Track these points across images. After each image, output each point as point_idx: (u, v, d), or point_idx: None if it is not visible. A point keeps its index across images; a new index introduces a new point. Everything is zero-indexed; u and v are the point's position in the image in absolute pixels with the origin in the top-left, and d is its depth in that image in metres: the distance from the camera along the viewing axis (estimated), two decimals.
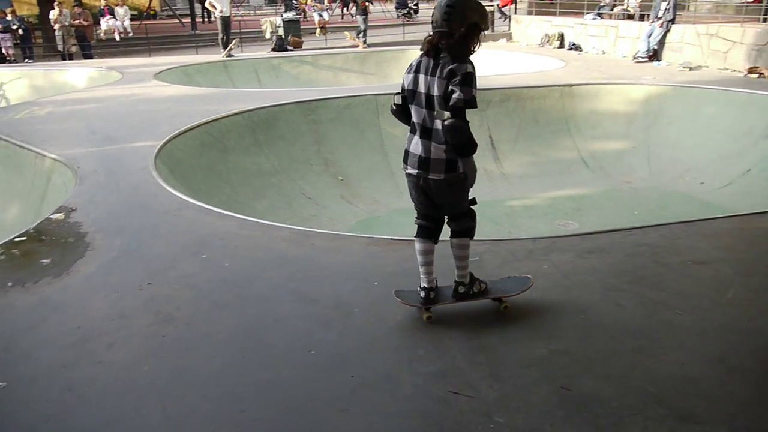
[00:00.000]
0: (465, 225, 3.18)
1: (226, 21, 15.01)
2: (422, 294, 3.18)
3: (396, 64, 16.13)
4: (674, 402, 2.50)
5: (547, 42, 16.64)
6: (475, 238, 4.27)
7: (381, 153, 9.54)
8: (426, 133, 2.93)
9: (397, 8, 24.00)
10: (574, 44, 15.90)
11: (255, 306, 3.38)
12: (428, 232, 3.21)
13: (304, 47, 16.69)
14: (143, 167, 6.10)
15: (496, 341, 2.97)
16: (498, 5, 20.92)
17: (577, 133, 10.35)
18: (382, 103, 9.95)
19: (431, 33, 2.91)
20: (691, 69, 12.27)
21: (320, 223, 8.04)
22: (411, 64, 3.05)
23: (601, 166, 9.95)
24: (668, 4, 12.88)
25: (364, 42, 16.86)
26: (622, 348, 2.89)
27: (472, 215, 3.22)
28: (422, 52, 2.94)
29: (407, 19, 23.16)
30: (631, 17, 15.81)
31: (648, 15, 14.06)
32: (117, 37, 19.10)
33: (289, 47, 16.14)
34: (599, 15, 16.64)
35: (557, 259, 3.86)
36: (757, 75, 11.26)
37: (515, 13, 19.66)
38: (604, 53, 15.10)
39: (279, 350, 2.96)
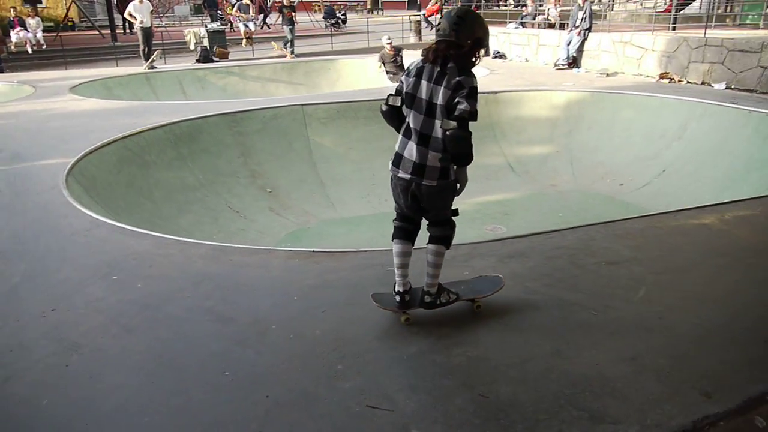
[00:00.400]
0: (444, 233, 3.22)
1: (146, 32, 14.55)
2: (398, 298, 3.19)
3: (325, 74, 16.10)
4: (588, 403, 2.52)
5: None
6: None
7: (310, 163, 9.45)
8: (423, 139, 2.93)
9: (325, 18, 23.96)
10: (498, 52, 16.30)
11: (167, 328, 3.22)
12: (407, 233, 3.27)
13: (230, 58, 16.40)
14: (53, 186, 5.77)
15: (415, 351, 2.93)
16: (424, 15, 21.25)
17: (503, 139, 10.58)
18: (309, 113, 9.88)
19: (435, 41, 2.92)
20: (608, 75, 12.80)
21: (248, 237, 7.86)
22: (409, 69, 3.02)
23: (527, 171, 10.20)
24: (585, 14, 13.40)
25: (292, 52, 16.73)
26: (539, 351, 2.91)
27: (452, 224, 3.25)
28: (424, 58, 2.94)
29: (335, 29, 23.17)
30: (552, 26, 16.36)
31: (567, 24, 14.58)
32: (29, 50, 18.16)
33: (214, 58, 15.82)
34: (522, 24, 17.14)
35: (478, 264, 3.88)
36: (668, 80, 11.86)
37: None
38: (527, 61, 15.56)
39: (191, 374, 2.82)
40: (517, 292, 3.51)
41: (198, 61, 15.63)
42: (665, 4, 21.83)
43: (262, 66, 15.89)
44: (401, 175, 3.05)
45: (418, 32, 19.66)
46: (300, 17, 28.11)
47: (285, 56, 16.71)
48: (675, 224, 4.61)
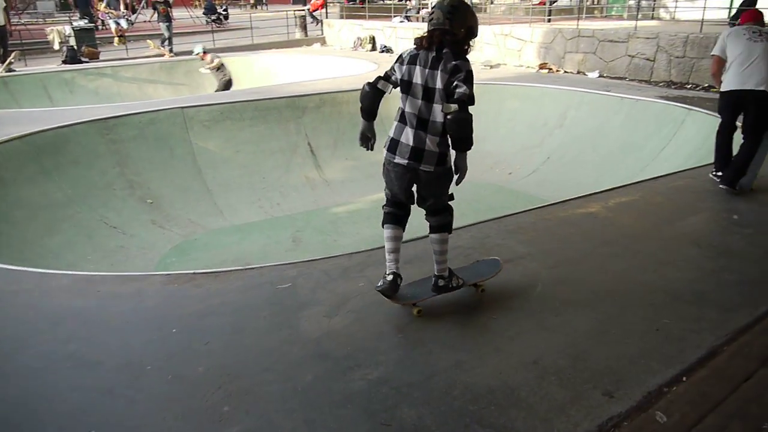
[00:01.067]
0: (444, 220, 3.23)
1: (1, 31, 13.13)
2: (390, 277, 3.13)
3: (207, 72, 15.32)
4: (494, 419, 2.40)
5: (360, 45, 16.87)
6: (288, 261, 4.01)
7: (194, 170, 8.88)
8: (422, 124, 2.93)
9: (205, 14, 22.90)
10: (385, 46, 16.28)
11: (19, 382, 2.76)
12: (398, 219, 3.31)
13: (101, 58, 15.20)
14: None
15: (310, 380, 2.69)
16: (309, 10, 20.86)
17: None
18: (190, 116, 9.29)
19: (429, 30, 2.97)
20: (491, 67, 13.11)
21: (129, 254, 7.24)
22: (402, 56, 3.04)
23: None
24: None
25: (171, 50, 15.79)
26: (442, 365, 2.77)
27: (451, 211, 3.27)
28: (418, 46, 2.98)
29: (217, 25, 22.21)
30: None
31: None
32: None
33: (83, 59, 14.58)
34: (407, 18, 17.24)
35: (373, 274, 3.69)
36: (546, 70, 12.32)
37: (327, 17, 19.70)
38: None
39: None
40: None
41: (64, 62, 14.33)
42: None
43: (138, 66, 14.85)
44: (398, 160, 3.06)
45: (304, 28, 19.23)
46: (179, 13, 26.74)
47: (163, 55, 15.73)
48: (563, 215, 4.66)
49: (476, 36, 3.03)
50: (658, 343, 2.91)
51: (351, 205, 8.95)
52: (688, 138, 8.33)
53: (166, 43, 15.84)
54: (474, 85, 2.90)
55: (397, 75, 3.01)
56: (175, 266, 7.06)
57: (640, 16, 14.94)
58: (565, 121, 10.02)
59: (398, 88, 3.06)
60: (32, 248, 6.68)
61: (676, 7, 16.14)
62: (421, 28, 15.47)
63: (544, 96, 10.55)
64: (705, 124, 8.18)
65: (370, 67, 13.47)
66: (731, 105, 5.13)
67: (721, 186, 5.09)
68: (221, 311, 3.31)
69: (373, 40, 16.66)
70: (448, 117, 2.81)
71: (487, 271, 3.47)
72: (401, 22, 16.73)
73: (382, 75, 3.12)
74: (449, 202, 3.26)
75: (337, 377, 2.70)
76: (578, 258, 3.88)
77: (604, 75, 11.49)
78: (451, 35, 2.91)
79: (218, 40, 17.50)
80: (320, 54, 16.43)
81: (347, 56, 15.70)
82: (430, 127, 2.92)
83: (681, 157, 8.02)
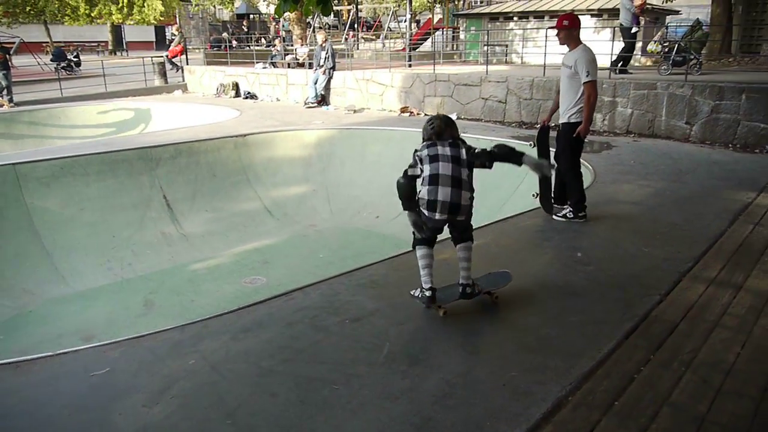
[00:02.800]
0: (469, 232, 3.80)
1: None
2: (429, 293, 3.69)
3: (54, 124, 14.17)
4: None
5: (223, 92, 16.44)
6: (109, 340, 3.55)
7: (30, 233, 7.97)
8: (457, 183, 3.55)
9: (53, 61, 21.36)
10: (249, 93, 15.98)
11: None
12: (430, 241, 3.78)
13: None
14: None
15: None
16: (167, 56, 20.09)
17: (257, 183, 10.16)
18: (24, 174, 8.38)
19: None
20: (355, 111, 13.20)
21: None
22: (422, 150, 3.77)
23: (285, 213, 9.90)
24: (327, 53, 13.72)
25: (10, 100, 14.44)
26: None
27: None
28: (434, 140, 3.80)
29: (67, 72, 20.78)
30: (301, 65, 16.55)
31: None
32: None
33: None
34: (272, 64, 17.08)
35: (208, 347, 3.31)
36: (408, 113, 12.60)
37: (188, 64, 19.08)
38: (278, 100, 15.46)
39: None
40: (251, 377, 3.02)
41: None
42: (402, 44, 23.74)
43: None
44: (438, 217, 3.59)
45: (163, 74, 18.43)
46: (25, 60, 24.81)
47: (1, 105, 14.35)
48: (415, 263, 4.55)
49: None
50: (504, 401, 2.79)
51: (212, 261, 8.43)
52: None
53: (5, 92, 14.47)
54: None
55: (423, 157, 3.68)
56: (2, 345, 6.18)
57: (494, 60, 15.87)
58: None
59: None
60: None
61: (523, 53, 17.35)
62: (285, 74, 15.42)
63: (406, 139, 10.70)
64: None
65: (233, 114, 13.10)
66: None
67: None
68: (15, 413, 2.78)
69: (236, 86, 16.29)
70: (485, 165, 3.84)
71: (500, 282, 3.91)
72: (264, 68, 16.54)
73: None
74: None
75: None
76: (428, 311, 3.74)
77: (462, 117, 11.92)
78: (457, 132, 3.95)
79: (67, 89, 16.29)
80: (181, 101, 15.78)
81: (210, 103, 15.20)
82: (463, 185, 3.58)
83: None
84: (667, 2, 20.87)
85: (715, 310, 3.72)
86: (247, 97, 15.81)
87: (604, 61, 12.28)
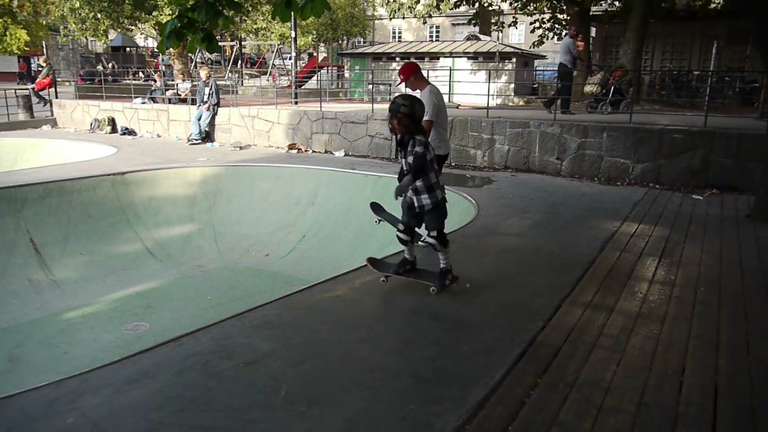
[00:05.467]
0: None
1: None
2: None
3: None
4: None
5: (98, 127, 15.58)
6: None
7: None
8: None
9: None
10: (127, 128, 15.27)
11: None
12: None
13: None
14: None
15: None
16: (34, 88, 18.74)
17: (137, 223, 9.64)
18: None
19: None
20: (241, 148, 13.01)
21: None
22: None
23: (169, 254, 9.45)
24: (211, 89, 13.47)
25: None
26: None
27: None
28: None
29: None
30: (183, 101, 16.08)
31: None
32: None
33: None
34: (152, 99, 16.46)
35: (89, 403, 3.05)
36: (296, 150, 12.60)
37: (57, 97, 17.90)
38: (159, 136, 14.90)
39: None
40: None
41: None
42: (287, 81, 23.80)
43: None
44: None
45: (29, 108, 17.12)
46: None
47: None
48: (311, 301, 4.51)
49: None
50: None
51: (87, 308, 7.82)
52: None
53: None
54: None
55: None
56: None
57: (378, 98, 16.33)
58: (317, 199, 10.23)
59: None
60: None
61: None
62: (166, 110, 14.90)
63: (294, 175, 10.69)
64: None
65: (109, 151, 12.43)
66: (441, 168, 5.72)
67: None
68: None
69: (112, 121, 15.51)
70: None
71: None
72: (143, 102, 15.91)
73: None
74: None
75: None
76: (325, 349, 3.71)
77: (350, 154, 12.12)
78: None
79: None
80: (49, 137, 14.73)
81: (83, 139, 14.32)
82: None
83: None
84: (534, 48, 22.63)
85: (593, 331, 4.00)
86: (124, 133, 15.08)
87: (481, 100, 13.08)
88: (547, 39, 22.09)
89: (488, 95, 12.00)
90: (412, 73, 5.72)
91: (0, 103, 16.90)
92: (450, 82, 16.37)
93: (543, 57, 25.16)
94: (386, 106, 14.58)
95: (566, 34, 12.88)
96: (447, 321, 4.14)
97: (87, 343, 6.77)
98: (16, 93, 17.42)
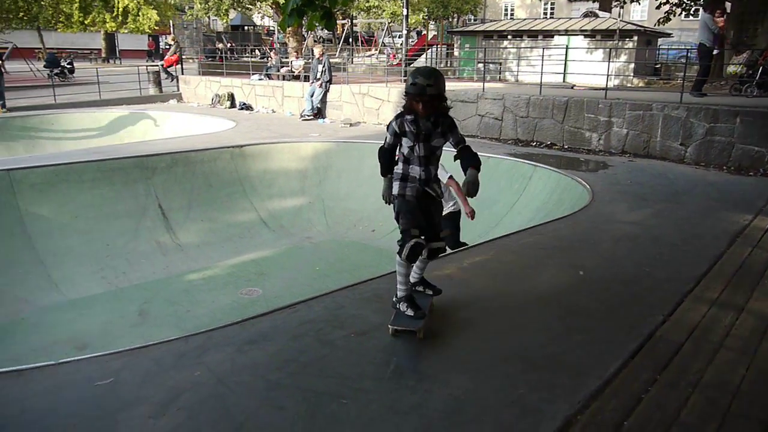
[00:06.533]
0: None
1: None
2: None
3: (46, 130, 14.08)
4: None
5: (219, 102, 16.43)
6: (106, 350, 3.51)
7: (22, 239, 7.90)
8: None
9: (47, 67, 21.26)
10: (244, 104, 15.98)
11: None
12: None
13: None
14: None
15: None
16: (163, 65, 20.07)
17: (253, 194, 10.13)
18: (18, 179, 8.31)
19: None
20: (351, 125, 13.23)
21: None
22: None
23: (281, 225, 9.87)
24: (324, 66, 13.77)
25: (2, 106, 14.34)
26: None
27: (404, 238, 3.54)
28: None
29: (61, 79, 20.69)
30: (297, 78, 16.58)
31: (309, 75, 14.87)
32: None
33: None
34: (267, 76, 17.10)
35: (213, 359, 3.28)
36: None
37: (183, 73, 19.07)
38: (274, 112, 15.47)
39: None
40: (258, 390, 2.99)
41: None
42: (396, 59, 23.89)
43: None
44: None
45: (158, 84, 18.40)
46: (17, 65, 24.66)
47: None
48: None
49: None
50: (514, 419, 2.78)
51: (207, 271, 8.38)
52: (536, 192, 8.79)
53: None
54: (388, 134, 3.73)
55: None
56: None
57: (488, 78, 15.99)
58: None
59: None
60: None
61: (518, 71, 17.52)
62: (281, 86, 15.44)
63: None
64: (550, 179, 8.70)
65: (228, 125, 13.09)
66: None
67: None
68: (18, 423, 2.73)
69: (231, 97, 16.30)
70: None
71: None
72: (260, 79, 16.56)
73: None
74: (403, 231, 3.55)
75: None
76: (433, 327, 3.73)
77: None
78: None
79: (60, 95, 16.20)
80: (177, 111, 15.75)
81: (205, 113, 15.19)
82: None
83: (531, 211, 8.41)
84: (659, 25, 21.19)
85: (719, 331, 3.74)
86: (242, 108, 15.82)
87: (598, 81, 12.45)
88: (675, 15, 20.55)
89: (607, 75, 11.39)
90: None
91: (132, 78, 18.28)
92: (565, 61, 15.73)
93: (668, 35, 23.51)
94: (497, 85, 14.22)
95: (704, 9, 11.64)
96: (559, 308, 4.03)
97: (206, 304, 7.26)
98: (147, 69, 18.73)
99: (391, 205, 3.72)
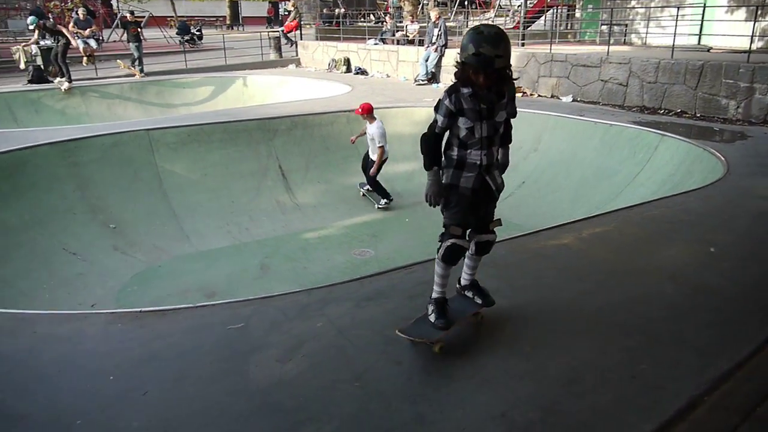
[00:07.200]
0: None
1: None
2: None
3: (179, 93, 15.09)
4: None
5: (335, 67, 16.77)
6: (233, 298, 3.77)
7: (159, 193, 8.59)
8: None
9: (179, 34, 22.66)
10: (360, 68, 16.20)
11: None
12: None
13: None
14: None
15: None
16: (283, 31, 20.75)
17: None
18: (156, 138, 9.02)
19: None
20: None
21: (87, 282, 6.91)
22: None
23: (393, 189, 10.00)
24: (440, 30, 13.60)
25: (141, 71, 15.52)
26: (400, 419, 2.53)
27: (444, 233, 3.15)
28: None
29: (191, 45, 21.98)
30: (411, 42, 16.54)
31: (425, 40, 14.78)
32: None
33: (50, 78, 14.23)
34: (382, 40, 17.19)
35: (333, 312, 3.45)
36: (521, 94, 12.29)
37: (301, 39, 19.60)
38: (388, 77, 15.57)
39: None
40: (376, 344, 3.12)
41: (30, 81, 13.99)
42: (513, 22, 23.08)
43: (107, 86, 14.57)
44: None
45: (278, 49, 19.09)
46: (152, 33, 26.50)
47: (134, 75, 15.46)
48: (536, 246, 4.49)
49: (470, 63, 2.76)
50: (634, 393, 2.72)
51: (322, 231, 8.72)
52: (662, 164, 8.27)
53: (137, 63, 15.57)
54: (441, 114, 2.99)
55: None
56: (136, 295, 6.75)
57: (612, 41, 15.09)
58: (540, 145, 9.95)
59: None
60: None
61: (647, 33, 16.35)
62: (396, 51, 15.47)
63: (519, 120, 10.23)
64: (678, 150, 8.15)
65: (344, 89, 13.36)
66: None
67: None
68: (164, 356, 3.05)
69: (347, 62, 16.58)
70: None
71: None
72: (375, 44, 16.68)
73: None
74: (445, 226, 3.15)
75: None
76: (550, 296, 3.69)
77: (578, 99, 11.48)
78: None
79: (191, 61, 17.27)
80: (295, 75, 16.28)
81: (322, 78, 15.58)
82: None
83: (656, 183, 7.95)
84: None
85: None
86: (357, 73, 16.06)
87: (739, 42, 11.36)
88: None
89: (751, 36, 10.37)
90: (367, 112, 8.62)
91: (254, 44, 19.06)
92: (701, 21, 14.46)
93: None
94: (622, 48, 13.35)
95: None
96: (686, 285, 3.83)
97: (322, 262, 7.58)
98: (268, 35, 19.45)
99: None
